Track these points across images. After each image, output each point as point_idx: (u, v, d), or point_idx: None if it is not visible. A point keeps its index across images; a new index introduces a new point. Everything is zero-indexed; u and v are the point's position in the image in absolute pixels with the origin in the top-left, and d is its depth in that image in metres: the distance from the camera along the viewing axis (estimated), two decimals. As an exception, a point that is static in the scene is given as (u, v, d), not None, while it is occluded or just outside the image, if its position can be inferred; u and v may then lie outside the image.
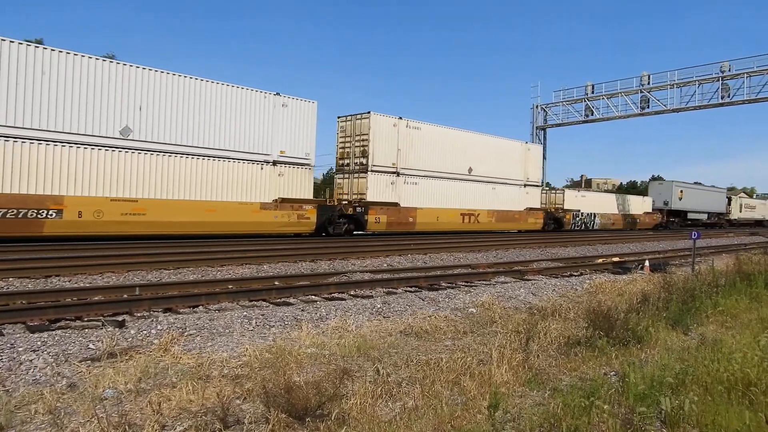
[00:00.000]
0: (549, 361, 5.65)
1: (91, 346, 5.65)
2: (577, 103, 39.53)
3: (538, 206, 31.90)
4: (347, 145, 23.05)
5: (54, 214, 13.81)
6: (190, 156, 16.68)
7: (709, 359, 5.08)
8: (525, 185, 30.43)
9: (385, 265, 14.28)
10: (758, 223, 62.63)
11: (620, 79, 37.46)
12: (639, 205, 44.32)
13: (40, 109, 13.90)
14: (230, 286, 9.46)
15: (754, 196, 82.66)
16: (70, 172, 14.33)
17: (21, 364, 5.02)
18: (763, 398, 4.20)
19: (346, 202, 21.73)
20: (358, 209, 21.56)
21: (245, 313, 7.47)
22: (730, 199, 58.04)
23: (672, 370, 4.83)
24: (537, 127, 41.84)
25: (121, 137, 15.26)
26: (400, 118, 23.33)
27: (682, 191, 47.19)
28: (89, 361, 5.20)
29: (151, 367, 5.02)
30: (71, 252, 12.55)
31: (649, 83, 35.76)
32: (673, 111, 35.25)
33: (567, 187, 74.99)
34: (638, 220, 43.16)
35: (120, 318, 7.01)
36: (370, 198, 21.99)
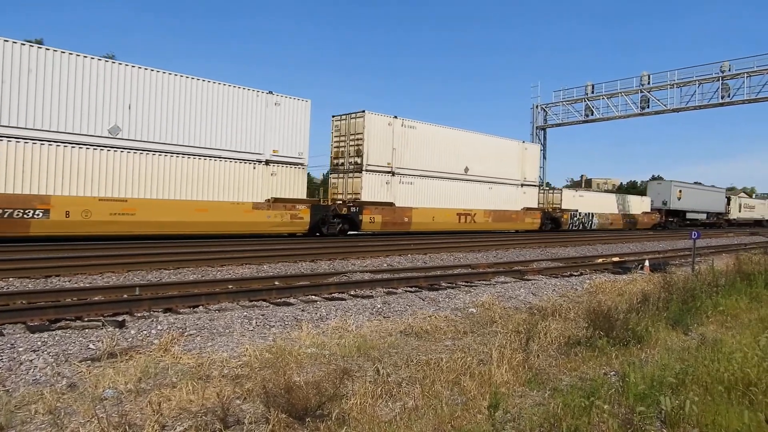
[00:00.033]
0: (549, 361, 5.65)
1: (91, 346, 5.64)
2: (577, 103, 39.53)
3: (536, 206, 31.75)
4: (342, 144, 22.90)
5: (41, 214, 13.61)
6: (181, 155, 16.47)
7: (710, 359, 5.08)
8: (522, 185, 30.25)
9: (385, 265, 14.28)
10: (757, 223, 62.56)
11: (620, 79, 37.50)
12: (638, 205, 44.22)
13: (26, 108, 13.69)
14: (230, 286, 9.46)
15: (754, 196, 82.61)
16: (58, 171, 14.14)
17: (21, 364, 5.02)
18: (763, 398, 4.20)
19: (341, 202, 21.58)
20: (353, 209, 21.39)
21: (245, 313, 7.47)
22: (729, 199, 57.91)
23: (672, 370, 4.83)
24: (537, 127, 41.84)
25: (110, 136, 15.04)
26: (395, 117, 23.16)
27: (680, 191, 47.10)
28: (89, 361, 5.20)
29: (151, 367, 5.02)
30: (71, 252, 12.54)
31: (649, 83, 35.75)
32: (673, 111, 35.25)
33: (567, 187, 74.95)
34: (637, 220, 43.12)
35: (120, 318, 7.01)
36: (364, 198, 21.84)
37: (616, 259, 17.11)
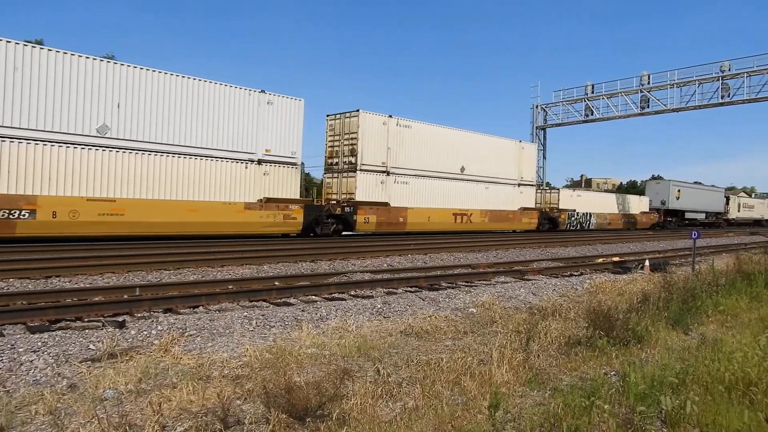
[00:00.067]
0: (549, 361, 5.65)
1: (91, 346, 5.64)
2: (577, 102, 39.53)
3: (533, 206, 31.56)
4: (336, 143, 22.75)
5: (27, 215, 13.42)
6: (171, 155, 16.27)
7: (710, 359, 5.08)
8: (519, 184, 30.09)
9: (386, 265, 14.28)
10: (756, 223, 62.43)
11: (620, 78, 37.50)
12: (636, 205, 44.05)
13: (11, 107, 13.49)
14: (230, 287, 9.46)
15: (753, 196, 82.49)
16: (44, 171, 13.92)
17: (21, 364, 5.02)
18: (763, 398, 4.20)
19: (335, 202, 21.40)
20: (347, 209, 21.19)
21: (245, 313, 7.47)
22: (728, 199, 57.74)
23: (672, 369, 4.83)
24: (537, 127, 41.84)
25: (99, 135, 14.83)
26: (390, 116, 23.02)
27: (679, 190, 46.92)
28: (90, 362, 5.20)
29: (151, 368, 5.02)
30: (71, 252, 12.54)
31: (649, 83, 35.75)
32: (673, 111, 35.24)
33: (567, 186, 74.92)
34: (637, 220, 43.06)
35: (120, 318, 7.01)
36: (359, 198, 21.65)
37: (616, 259, 17.11)
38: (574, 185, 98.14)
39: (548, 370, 5.33)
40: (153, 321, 6.73)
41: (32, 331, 6.15)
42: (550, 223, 33.54)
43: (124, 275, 10.77)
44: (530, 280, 12.26)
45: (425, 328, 7.12)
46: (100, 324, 6.73)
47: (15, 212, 13.32)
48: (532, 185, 31.66)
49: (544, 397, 4.52)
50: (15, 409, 4.09)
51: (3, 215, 13.13)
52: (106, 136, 14.99)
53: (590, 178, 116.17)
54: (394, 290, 10.13)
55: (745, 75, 31.75)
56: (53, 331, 6.19)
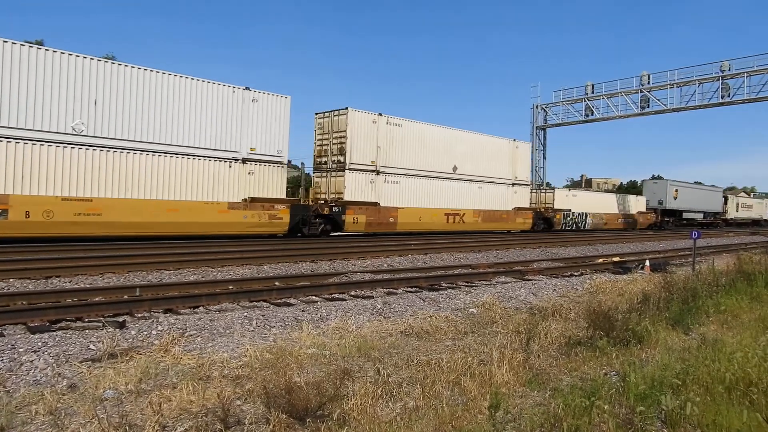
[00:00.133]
0: (550, 362, 5.65)
1: (91, 346, 5.65)
2: (577, 102, 39.49)
3: (527, 206, 31.22)
4: (325, 142, 22.39)
5: None
6: (151, 153, 15.78)
7: (710, 359, 5.07)
8: (513, 184, 29.70)
9: (386, 265, 14.28)
10: (755, 223, 62.26)
11: (620, 78, 37.41)
12: (633, 205, 43.81)
13: None
14: (231, 287, 9.46)
15: (752, 196, 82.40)
16: (17, 169, 13.41)
17: (22, 364, 5.03)
18: (763, 398, 4.20)
19: (323, 202, 20.99)
20: (335, 209, 20.76)
21: (246, 313, 7.47)
22: (726, 199, 57.50)
23: (673, 370, 4.83)
24: (537, 127, 41.81)
25: (74, 133, 14.36)
26: (380, 114, 22.68)
27: (677, 190, 46.62)
28: (90, 362, 5.20)
29: (151, 368, 5.02)
30: (72, 253, 12.54)
31: (649, 83, 35.71)
32: (673, 111, 35.21)
33: (567, 186, 74.88)
34: (636, 220, 42.95)
35: (120, 319, 7.01)
36: (347, 197, 21.25)
37: (616, 259, 17.11)
38: (574, 185, 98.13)
39: (548, 371, 5.33)
40: (153, 321, 6.73)
41: (32, 332, 6.15)
42: (545, 224, 33.21)
43: (125, 275, 10.77)
44: (530, 280, 12.26)
45: (425, 328, 7.12)
46: (100, 324, 6.74)
47: None
48: (526, 185, 31.32)
49: (544, 397, 4.51)
50: (15, 409, 4.09)
51: None
52: (81, 134, 14.52)
53: (590, 179, 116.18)
54: (395, 290, 10.13)
55: (745, 75, 31.73)
56: (53, 331, 6.19)
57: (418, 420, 3.93)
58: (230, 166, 17.64)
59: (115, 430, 3.52)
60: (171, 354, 5.52)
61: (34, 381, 4.73)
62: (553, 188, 37.52)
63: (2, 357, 5.14)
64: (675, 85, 34.57)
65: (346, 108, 21.54)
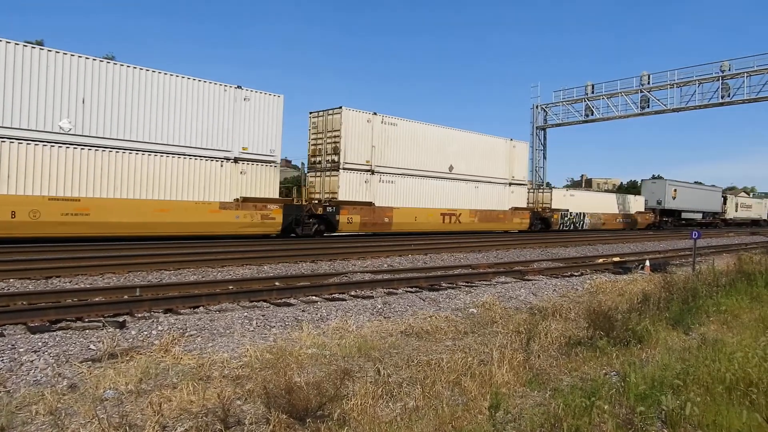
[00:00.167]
0: (550, 362, 5.65)
1: (91, 346, 5.65)
2: (577, 103, 39.52)
3: (524, 206, 31.09)
4: (319, 141, 22.21)
5: None
6: (141, 152, 15.61)
7: (710, 359, 5.07)
8: (510, 184, 29.53)
9: (386, 265, 14.28)
10: (754, 223, 62.13)
11: (620, 79, 37.46)
12: (632, 205, 43.71)
13: None
14: (231, 287, 9.46)
15: (752, 195, 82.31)
16: (2, 169, 13.27)
17: (22, 364, 5.03)
18: (763, 398, 4.20)
19: (316, 202, 20.80)
20: (329, 209, 20.56)
21: (246, 313, 7.47)
22: (725, 198, 57.32)
23: (673, 370, 4.83)
24: (537, 127, 41.84)
25: (62, 132, 14.16)
26: (375, 113, 22.43)
27: (675, 190, 46.43)
28: (90, 362, 5.20)
29: (151, 368, 5.02)
30: (72, 253, 12.54)
31: (649, 83, 35.74)
32: (673, 111, 35.23)
33: (566, 186, 74.84)
34: (636, 220, 42.88)
35: (121, 319, 7.01)
36: (342, 197, 21.12)
37: (616, 259, 17.11)
38: (575, 185, 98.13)
39: (549, 371, 5.33)
40: (153, 321, 6.73)
41: (33, 332, 6.15)
42: (542, 224, 33.03)
43: (125, 275, 10.77)
44: (531, 280, 12.25)
45: (426, 328, 7.12)
46: (100, 324, 6.74)
47: None
48: (523, 185, 31.10)
49: (544, 397, 4.51)
50: (15, 409, 4.09)
51: None
52: (69, 132, 14.31)
53: (590, 179, 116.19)
54: (395, 290, 10.13)
55: (745, 75, 31.75)
56: (54, 331, 6.19)
57: (418, 420, 3.93)
58: (222, 166, 17.49)
59: (115, 430, 3.52)
60: (171, 354, 5.52)
61: (34, 381, 4.73)
62: (551, 188, 37.38)
63: (2, 357, 5.14)
64: (675, 85, 34.60)
65: (340, 107, 21.38)
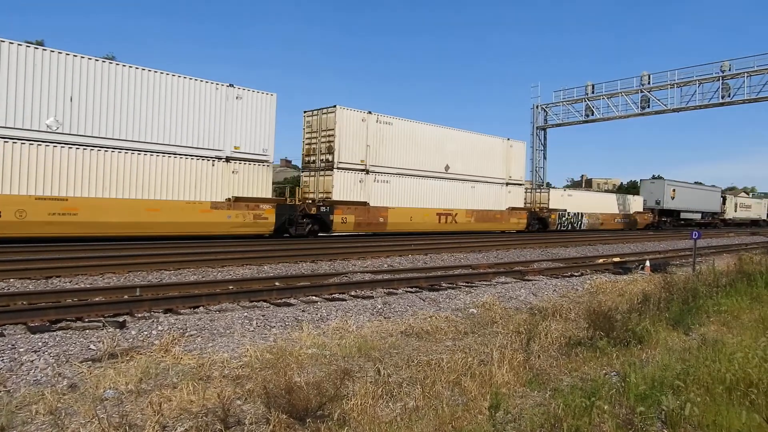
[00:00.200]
0: (550, 362, 5.65)
1: (91, 346, 5.65)
2: (577, 103, 39.53)
3: (522, 206, 30.93)
4: (313, 141, 22.00)
5: None
6: (130, 151, 15.40)
7: (710, 359, 5.07)
8: (507, 183, 29.36)
9: (386, 265, 14.28)
10: (754, 223, 62.06)
11: (620, 79, 37.50)
12: (631, 205, 43.62)
13: None
14: (231, 287, 9.46)
15: (751, 196, 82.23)
16: None
17: (22, 364, 5.03)
18: (763, 399, 4.20)
19: (310, 201, 20.67)
20: (323, 209, 20.34)
21: (246, 313, 7.47)
22: (724, 198, 57.20)
23: (673, 370, 4.83)
24: (537, 127, 41.86)
25: (49, 130, 13.94)
26: (370, 112, 22.29)
27: (674, 190, 46.31)
28: (90, 362, 5.20)
29: (151, 368, 5.02)
30: (72, 253, 12.54)
31: (649, 83, 35.75)
32: (674, 111, 35.25)
33: (566, 187, 74.83)
34: (636, 220, 42.85)
35: (121, 319, 7.01)
36: (336, 197, 20.92)
37: (616, 259, 17.11)
38: (575, 185, 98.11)
39: (549, 371, 5.33)
40: (153, 321, 6.73)
41: (33, 332, 6.15)
42: (540, 224, 32.88)
43: (125, 275, 10.77)
44: (531, 280, 12.25)
45: (426, 328, 7.12)
46: (100, 324, 6.74)
47: None
48: (520, 184, 30.92)
49: (544, 397, 4.51)
50: (16, 408, 4.09)
51: None
52: (57, 131, 14.08)
53: (590, 179, 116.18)
54: (395, 291, 10.13)
55: (745, 75, 31.76)
56: (54, 331, 6.19)
57: (418, 420, 3.93)
58: (213, 165, 17.32)
59: (115, 430, 3.52)
60: (171, 354, 5.52)
61: (34, 381, 4.73)
62: (549, 188, 37.28)
63: (3, 357, 5.14)
64: (675, 85, 34.61)
65: (335, 106, 21.21)
